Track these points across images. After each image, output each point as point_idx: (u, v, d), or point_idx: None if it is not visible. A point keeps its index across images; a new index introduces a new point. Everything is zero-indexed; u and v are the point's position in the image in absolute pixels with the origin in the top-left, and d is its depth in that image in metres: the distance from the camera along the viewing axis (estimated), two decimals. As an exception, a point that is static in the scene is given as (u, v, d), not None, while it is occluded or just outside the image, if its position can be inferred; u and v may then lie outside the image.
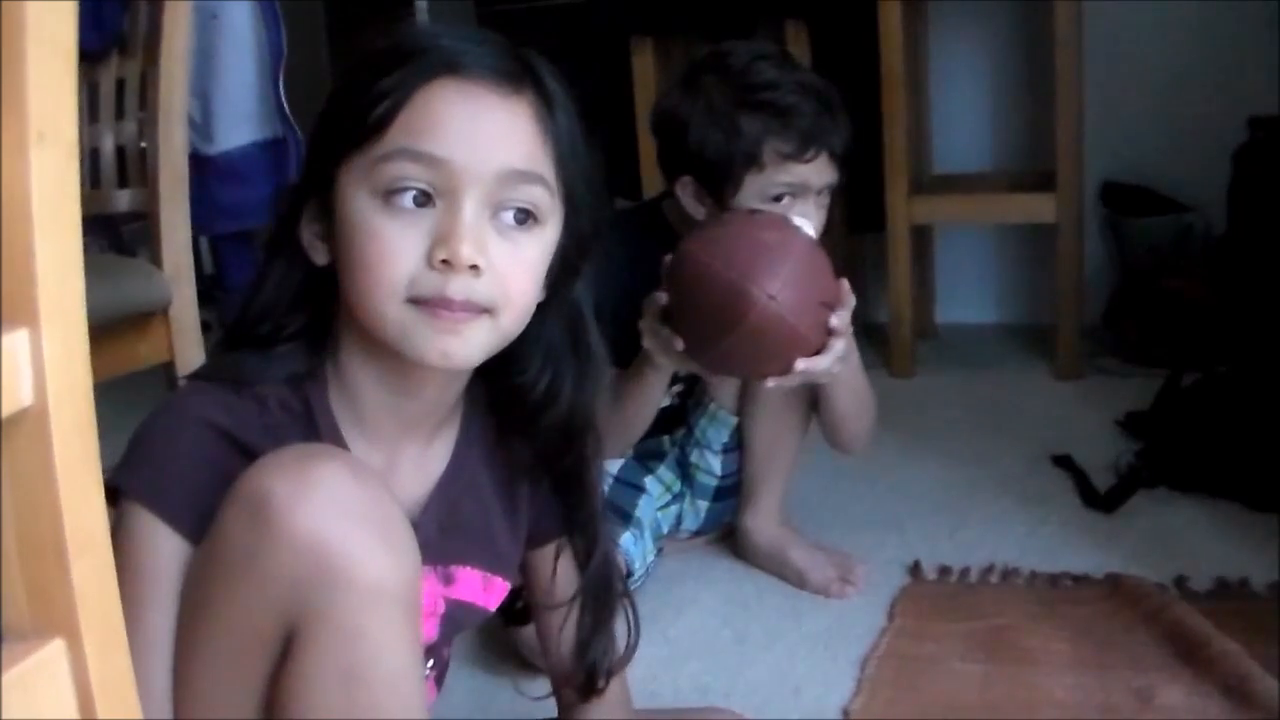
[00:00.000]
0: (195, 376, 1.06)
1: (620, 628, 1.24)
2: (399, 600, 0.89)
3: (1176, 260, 2.93)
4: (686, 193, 1.81)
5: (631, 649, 1.25)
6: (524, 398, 1.10)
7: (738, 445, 1.96)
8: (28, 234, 0.57)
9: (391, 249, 0.96)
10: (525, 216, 1.00)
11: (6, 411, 0.56)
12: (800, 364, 1.59)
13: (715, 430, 1.96)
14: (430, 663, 1.15)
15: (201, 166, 2.73)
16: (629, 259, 1.86)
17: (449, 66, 0.97)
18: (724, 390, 1.90)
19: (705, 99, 1.77)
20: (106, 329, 1.76)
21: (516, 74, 1.00)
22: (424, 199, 0.96)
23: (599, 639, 1.20)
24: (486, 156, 0.97)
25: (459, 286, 0.96)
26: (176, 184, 1.93)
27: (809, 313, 1.58)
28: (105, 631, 0.62)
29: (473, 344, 0.99)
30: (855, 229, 3.28)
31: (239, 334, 1.05)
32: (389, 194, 0.96)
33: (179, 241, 1.92)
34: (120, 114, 2.16)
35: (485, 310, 0.98)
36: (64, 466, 0.58)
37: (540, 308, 1.06)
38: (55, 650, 0.60)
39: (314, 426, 1.03)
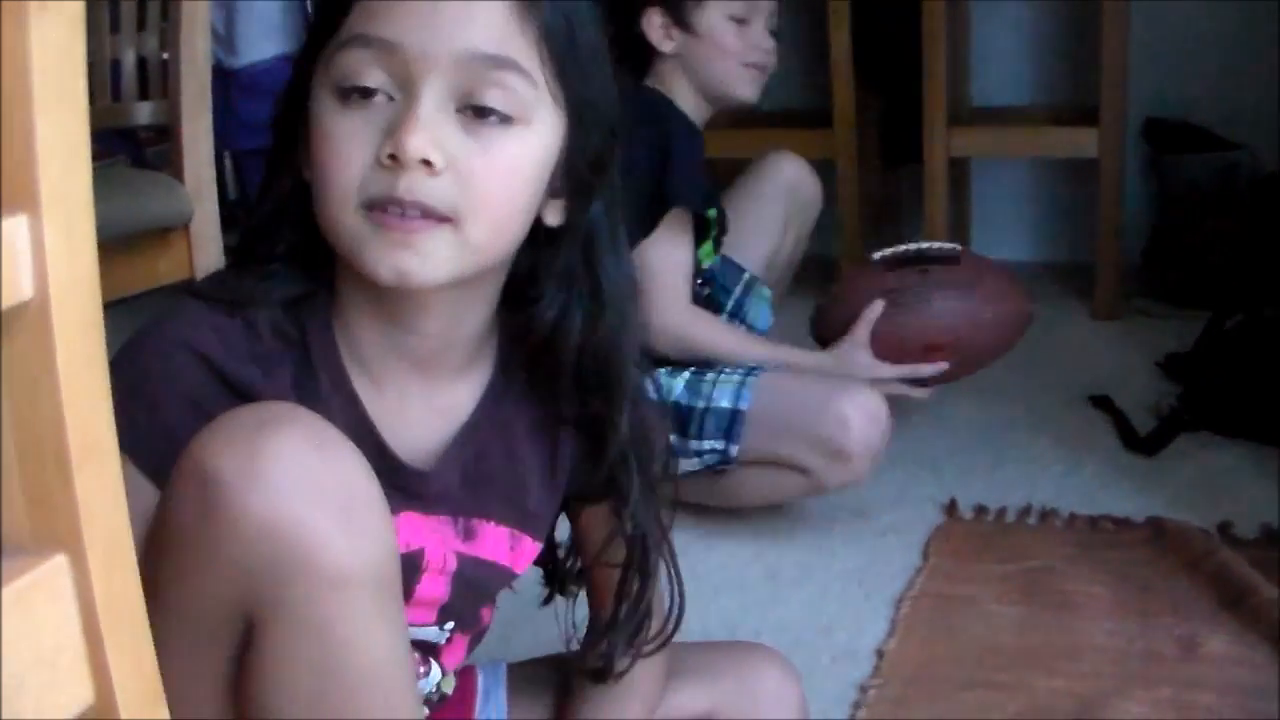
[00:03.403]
0: (191, 293, 0.96)
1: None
2: (369, 586, 0.79)
3: (1221, 199, 2.86)
4: (653, 26, 1.86)
5: (667, 635, 1.09)
6: (531, 330, 0.98)
7: None
8: (28, 110, 0.51)
9: (343, 149, 0.86)
10: (497, 112, 0.87)
11: (5, 304, 0.52)
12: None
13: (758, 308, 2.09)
14: (450, 625, 1.04)
15: (225, 80, 2.67)
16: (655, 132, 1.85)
17: None
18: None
19: None
20: (127, 243, 1.71)
21: None
22: (378, 93, 0.86)
23: (625, 622, 1.05)
24: (445, 37, 0.85)
25: (409, 185, 0.85)
26: (199, 97, 1.89)
27: None
28: (111, 546, 0.57)
29: (434, 260, 0.87)
30: (891, 162, 3.22)
31: (241, 252, 0.97)
32: (344, 90, 0.87)
33: (201, 155, 1.88)
34: (142, 25, 2.11)
35: (444, 218, 0.86)
36: (67, 366, 0.53)
37: (556, 235, 0.96)
38: (57, 566, 0.56)
39: (309, 357, 0.94)
